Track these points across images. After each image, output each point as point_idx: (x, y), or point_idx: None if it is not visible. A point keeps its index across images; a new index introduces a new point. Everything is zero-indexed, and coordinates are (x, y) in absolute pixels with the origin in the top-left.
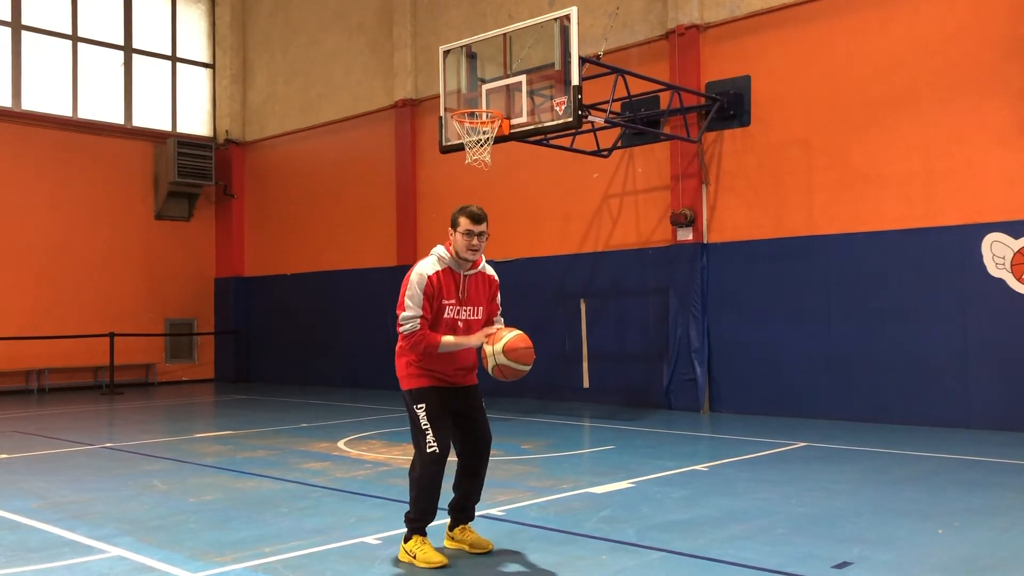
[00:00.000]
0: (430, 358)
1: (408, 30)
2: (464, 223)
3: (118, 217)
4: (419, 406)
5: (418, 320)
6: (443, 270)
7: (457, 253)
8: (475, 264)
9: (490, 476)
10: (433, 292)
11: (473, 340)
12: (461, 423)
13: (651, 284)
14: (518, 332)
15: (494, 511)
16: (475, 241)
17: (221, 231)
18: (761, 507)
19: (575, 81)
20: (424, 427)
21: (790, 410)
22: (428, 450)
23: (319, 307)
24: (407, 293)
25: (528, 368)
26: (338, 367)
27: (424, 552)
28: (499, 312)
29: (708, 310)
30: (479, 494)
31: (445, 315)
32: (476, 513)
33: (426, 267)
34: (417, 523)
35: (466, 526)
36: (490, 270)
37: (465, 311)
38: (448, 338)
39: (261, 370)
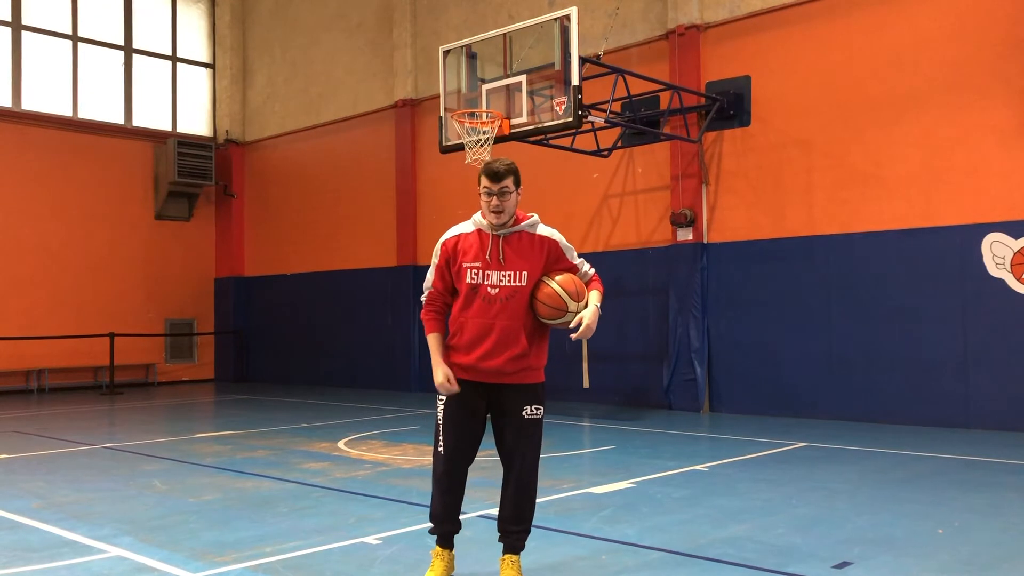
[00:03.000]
0: (452, 346)
1: (408, 30)
2: (482, 182)
3: (118, 217)
4: (439, 398)
5: (426, 291)
6: (472, 232)
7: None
8: (517, 221)
9: (489, 475)
10: (449, 256)
11: (435, 363)
12: (496, 428)
13: (651, 284)
14: (556, 282)
15: (494, 511)
16: (495, 201)
17: (221, 231)
18: (761, 507)
19: (575, 81)
20: (439, 423)
21: (790, 410)
22: (437, 448)
23: (319, 307)
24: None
25: (548, 321)
26: (338, 367)
27: (429, 570)
28: (581, 270)
29: (708, 310)
30: (518, 520)
31: (467, 279)
32: (512, 533)
33: (450, 231)
34: (431, 524)
35: (507, 558)
36: (545, 230)
37: (501, 276)
38: (432, 341)
39: (261, 370)
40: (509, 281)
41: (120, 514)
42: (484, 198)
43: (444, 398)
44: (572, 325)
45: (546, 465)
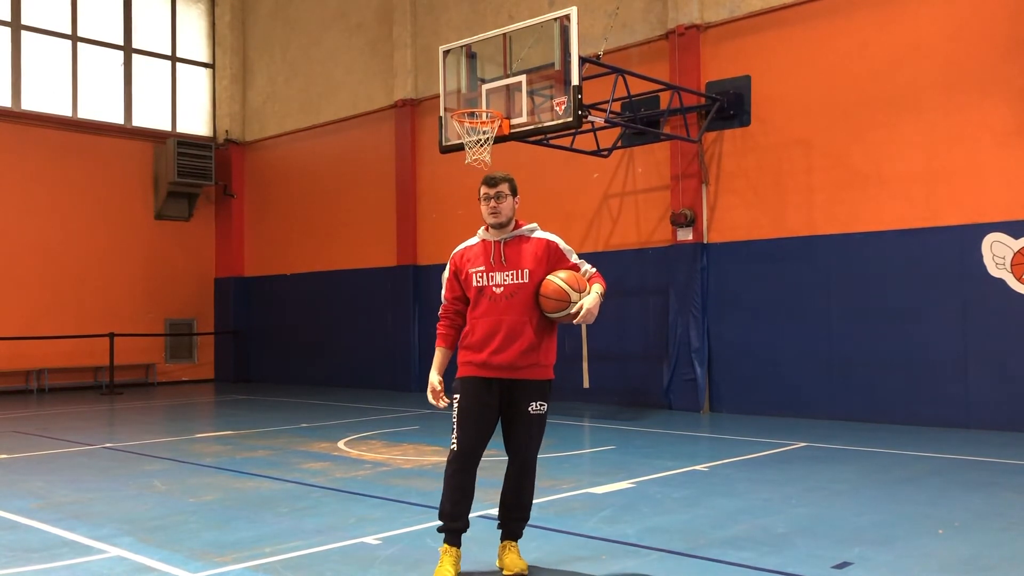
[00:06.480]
0: (466, 346)
1: (408, 30)
2: (481, 190)
3: (118, 217)
4: (454, 396)
5: (441, 304)
6: (476, 243)
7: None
8: (516, 226)
9: (491, 476)
10: (457, 266)
11: (431, 374)
12: (504, 421)
13: (651, 284)
14: (558, 277)
15: (494, 511)
16: (493, 204)
17: (221, 231)
18: (761, 507)
19: (575, 81)
20: (453, 420)
21: (790, 410)
22: (451, 446)
23: (319, 307)
24: None
25: (555, 315)
26: (338, 367)
27: (439, 567)
28: (582, 268)
29: (708, 310)
30: (519, 506)
31: (474, 283)
32: (519, 529)
33: (459, 246)
34: (440, 521)
35: (507, 544)
36: (544, 234)
37: (504, 276)
38: (436, 354)
39: (261, 370)
40: (512, 280)
41: (120, 514)
42: (483, 203)
43: (459, 395)
44: (573, 312)
45: (546, 465)
